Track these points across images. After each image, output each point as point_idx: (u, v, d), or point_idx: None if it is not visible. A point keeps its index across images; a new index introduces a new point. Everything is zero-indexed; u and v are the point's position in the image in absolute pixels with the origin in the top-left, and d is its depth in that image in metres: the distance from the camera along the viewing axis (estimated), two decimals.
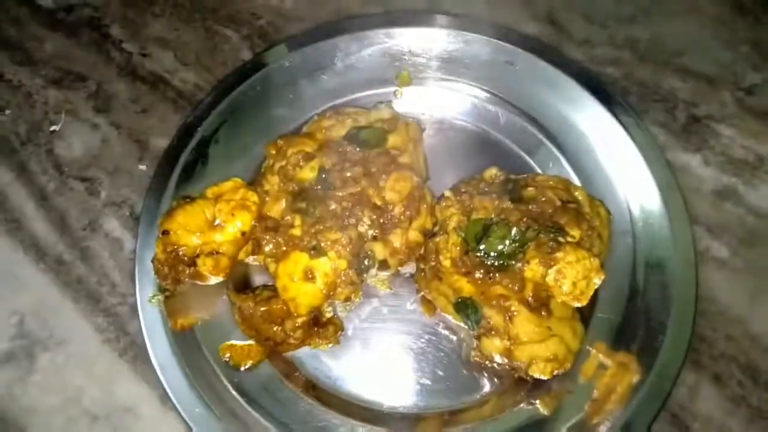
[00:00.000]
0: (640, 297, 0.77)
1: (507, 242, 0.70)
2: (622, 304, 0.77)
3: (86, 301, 0.83)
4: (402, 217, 0.76)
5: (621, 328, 0.76)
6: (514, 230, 0.70)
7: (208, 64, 1.01)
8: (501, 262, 0.71)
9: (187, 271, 0.74)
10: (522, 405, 0.73)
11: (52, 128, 0.96)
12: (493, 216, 0.72)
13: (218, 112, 0.88)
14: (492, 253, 0.71)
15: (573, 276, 0.68)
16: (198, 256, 0.74)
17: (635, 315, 0.76)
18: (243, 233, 0.75)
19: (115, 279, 0.85)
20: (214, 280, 0.76)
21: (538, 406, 0.73)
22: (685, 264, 0.77)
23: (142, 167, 0.92)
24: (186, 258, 0.74)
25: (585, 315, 0.75)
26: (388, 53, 0.92)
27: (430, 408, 0.75)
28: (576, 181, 0.84)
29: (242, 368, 0.76)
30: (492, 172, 0.81)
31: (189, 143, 0.86)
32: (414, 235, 0.77)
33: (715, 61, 0.98)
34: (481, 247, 0.71)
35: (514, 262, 0.70)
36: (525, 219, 0.71)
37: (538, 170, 0.87)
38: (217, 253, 0.74)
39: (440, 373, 0.77)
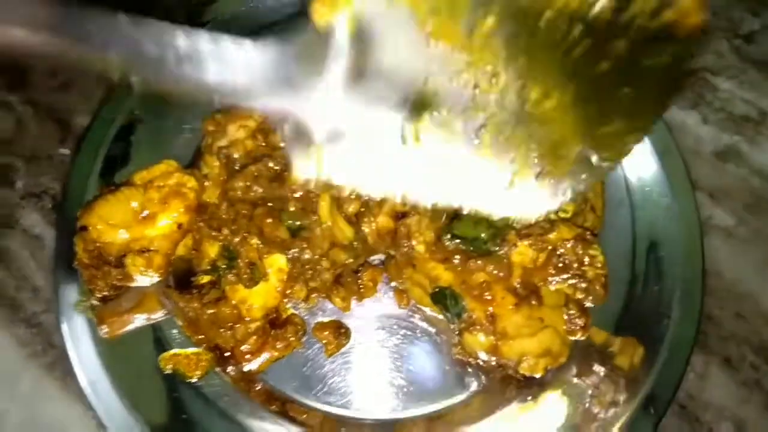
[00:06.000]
0: (642, 275, 0.69)
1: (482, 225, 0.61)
2: (620, 285, 0.69)
3: (4, 310, 0.73)
4: None
5: (621, 312, 0.68)
6: None
7: None
8: (481, 247, 0.62)
9: (114, 273, 0.63)
10: (513, 403, 0.66)
11: None
12: None
13: None
14: (467, 238, 0.62)
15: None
16: (125, 254, 0.62)
17: (636, 296, 0.69)
18: (179, 225, 0.64)
19: (37, 282, 0.75)
20: (147, 280, 0.65)
21: (531, 403, 0.65)
22: (690, 236, 0.70)
23: (65, 151, 0.82)
24: (111, 258, 0.62)
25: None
26: None
27: (408, 413, 0.67)
28: None
29: (189, 381, 0.66)
30: None
31: (115, 119, 0.75)
32: (383, 221, 0.67)
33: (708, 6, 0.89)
34: (452, 232, 0.62)
35: (497, 248, 0.61)
36: None
37: None
38: (149, 250, 0.63)
39: (418, 373, 0.68)
